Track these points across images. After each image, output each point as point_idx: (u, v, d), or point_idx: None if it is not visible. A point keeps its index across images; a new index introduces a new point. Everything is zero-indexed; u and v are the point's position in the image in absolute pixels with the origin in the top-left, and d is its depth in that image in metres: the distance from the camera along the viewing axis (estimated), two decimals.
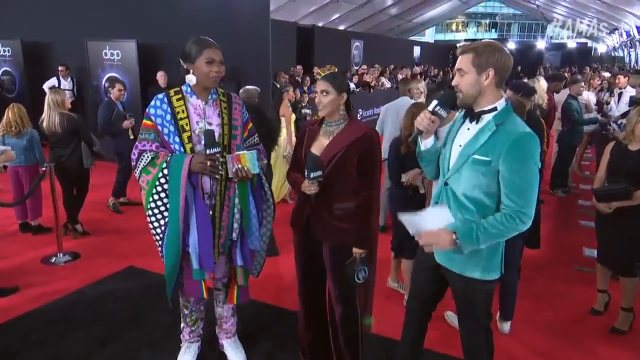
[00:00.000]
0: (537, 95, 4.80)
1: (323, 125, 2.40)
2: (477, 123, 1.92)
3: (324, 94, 2.30)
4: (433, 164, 2.14)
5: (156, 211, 2.32)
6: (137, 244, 4.58)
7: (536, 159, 1.84)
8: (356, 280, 2.26)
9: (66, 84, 8.38)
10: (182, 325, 2.77)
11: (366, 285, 2.37)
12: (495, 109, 1.89)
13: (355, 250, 2.29)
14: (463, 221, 1.94)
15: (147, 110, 2.36)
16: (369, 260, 2.33)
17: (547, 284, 3.97)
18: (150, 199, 2.30)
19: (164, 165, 2.27)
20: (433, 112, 1.95)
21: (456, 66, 1.94)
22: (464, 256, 1.95)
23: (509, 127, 1.85)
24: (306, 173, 2.24)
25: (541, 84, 4.85)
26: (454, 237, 1.88)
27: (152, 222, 2.35)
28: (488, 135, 1.87)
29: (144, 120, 2.35)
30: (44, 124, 4.52)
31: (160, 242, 2.39)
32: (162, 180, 2.28)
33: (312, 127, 2.44)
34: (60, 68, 8.33)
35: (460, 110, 2.05)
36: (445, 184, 2.01)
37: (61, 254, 4.26)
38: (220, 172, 2.31)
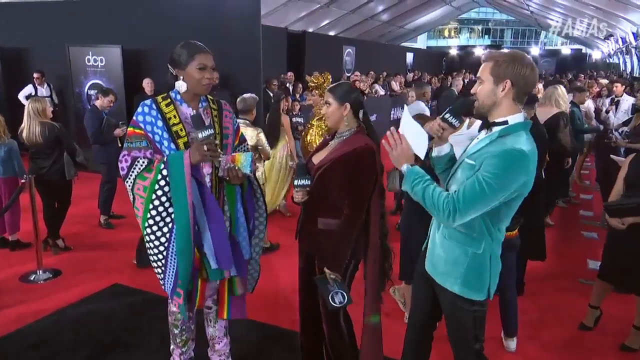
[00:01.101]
0: (561, 102, 4.80)
1: (335, 137, 2.43)
2: (486, 133, 1.93)
3: (327, 105, 2.35)
4: (447, 173, 2.12)
5: (158, 219, 2.21)
6: (122, 260, 4.49)
7: (510, 179, 1.77)
8: (331, 302, 2.21)
9: (43, 91, 8.26)
10: (171, 347, 2.68)
11: (372, 285, 2.33)
12: (506, 122, 1.86)
13: (325, 270, 2.27)
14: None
15: (134, 118, 2.29)
16: (347, 283, 2.32)
17: (552, 297, 3.95)
18: (151, 206, 2.19)
19: (162, 166, 2.18)
20: (444, 120, 1.96)
21: (478, 73, 1.95)
22: (447, 266, 1.99)
23: (507, 140, 1.83)
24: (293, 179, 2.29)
25: (561, 92, 4.85)
26: (407, 164, 1.95)
27: (153, 232, 2.23)
28: (486, 143, 1.87)
29: (131, 129, 2.28)
30: (24, 134, 4.44)
31: (163, 254, 2.27)
32: (162, 183, 2.18)
33: (327, 138, 2.49)
34: (35, 75, 8.20)
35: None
36: (447, 189, 2.02)
37: (41, 271, 4.16)
38: (221, 154, 2.26)
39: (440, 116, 1.98)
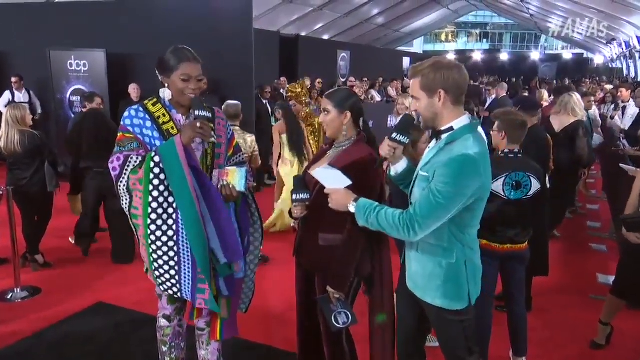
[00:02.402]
0: (577, 111, 4.81)
1: (333, 147, 2.39)
2: (436, 142, 2.00)
3: (325, 112, 2.31)
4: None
5: (160, 211, 2.16)
6: (106, 276, 4.42)
7: (462, 184, 1.84)
8: (334, 323, 2.19)
9: (21, 96, 8.17)
10: None
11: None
12: (451, 128, 1.94)
13: (329, 289, 2.24)
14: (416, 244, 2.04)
15: (121, 123, 2.29)
16: (349, 303, 2.29)
17: (562, 314, 3.93)
18: (150, 199, 2.15)
19: (152, 153, 2.15)
20: (392, 140, 2.04)
21: (410, 92, 2.04)
22: (424, 280, 2.05)
23: (454, 146, 1.89)
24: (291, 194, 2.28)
25: (576, 99, 4.86)
26: (352, 202, 2.01)
27: (159, 228, 2.17)
28: (435, 152, 1.94)
29: (121, 134, 2.26)
30: (2, 143, 4.37)
31: (174, 250, 2.20)
32: (157, 170, 2.13)
33: (324, 147, 2.45)
34: (13, 79, 8.11)
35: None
36: (411, 203, 2.07)
37: (19, 289, 4.08)
38: (212, 136, 2.24)
39: (388, 137, 2.06)
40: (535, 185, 2.88)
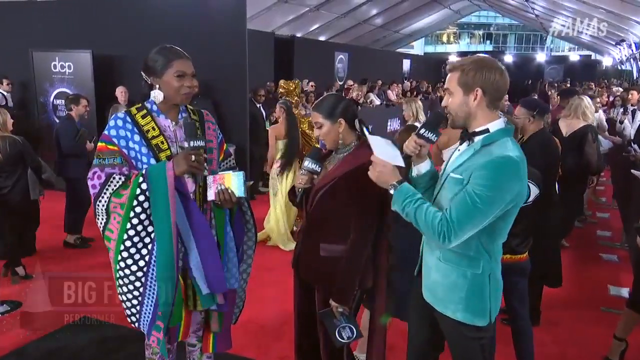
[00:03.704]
0: (588, 115, 4.82)
1: (333, 152, 2.39)
2: (468, 145, 1.97)
3: (317, 126, 2.30)
4: (431, 191, 2.13)
5: (136, 239, 2.13)
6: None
7: (503, 188, 1.82)
8: (338, 338, 2.17)
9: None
10: None
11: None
12: (487, 130, 1.92)
13: (332, 302, 2.23)
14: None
15: (105, 132, 2.24)
16: (353, 315, 2.29)
17: (572, 328, 3.93)
18: (128, 225, 2.11)
19: (140, 179, 2.11)
20: (420, 136, 1.99)
21: (445, 85, 2.00)
22: (444, 291, 2.00)
23: (492, 149, 1.87)
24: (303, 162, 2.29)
25: (587, 103, 4.88)
26: (394, 182, 1.93)
27: (131, 256, 2.14)
28: (470, 154, 1.91)
29: (103, 144, 2.21)
30: None
31: (142, 281, 2.18)
32: (142, 198, 2.10)
33: (324, 151, 2.45)
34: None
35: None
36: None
37: None
38: (206, 168, 2.21)
39: (415, 132, 2.00)
40: (534, 191, 2.88)
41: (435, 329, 2.14)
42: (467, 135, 1.97)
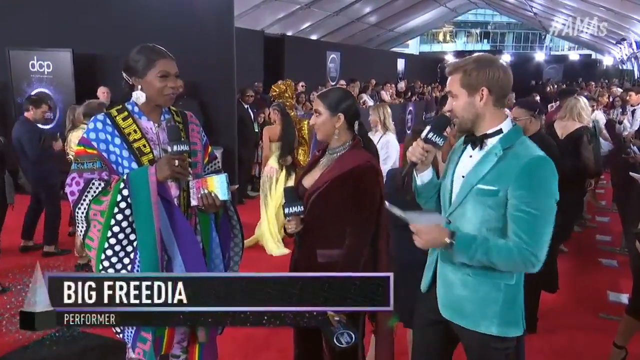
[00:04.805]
0: (584, 116, 4.86)
1: (326, 153, 2.38)
2: (480, 149, 1.94)
3: (316, 114, 2.30)
4: (433, 201, 2.13)
5: (118, 248, 2.12)
6: None
7: (552, 190, 1.85)
8: (336, 343, 2.18)
9: None
10: None
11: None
12: (500, 131, 1.91)
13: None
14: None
15: (84, 135, 2.23)
16: (355, 323, 2.25)
17: (569, 336, 3.95)
18: (109, 233, 2.11)
19: (122, 185, 2.10)
20: (426, 140, 1.94)
21: (446, 88, 1.98)
22: (475, 306, 1.95)
23: (518, 151, 1.86)
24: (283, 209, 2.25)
25: (583, 104, 4.92)
26: (449, 237, 1.86)
27: (112, 265, 2.13)
28: (494, 161, 1.88)
29: (82, 148, 2.21)
30: None
31: None
32: (123, 205, 2.09)
33: (317, 153, 2.45)
34: None
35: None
36: (448, 222, 1.99)
37: None
38: (190, 173, 2.20)
39: (422, 137, 1.95)
40: None
41: (446, 348, 2.14)
42: (477, 139, 1.95)
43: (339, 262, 2.21)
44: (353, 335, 2.19)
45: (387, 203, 2.04)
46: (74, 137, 4.68)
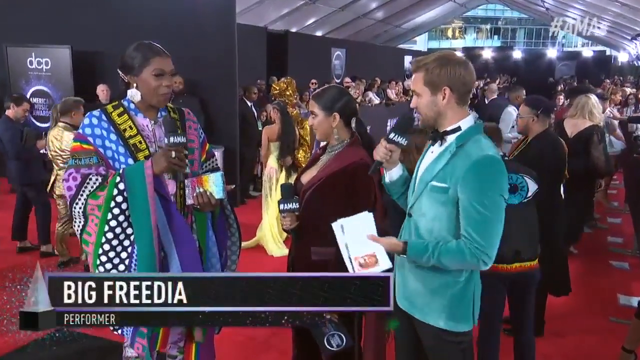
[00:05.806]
0: (595, 114, 4.86)
1: (326, 152, 2.44)
2: (440, 145, 2.02)
3: (312, 115, 2.36)
4: (404, 197, 2.20)
5: (115, 243, 2.17)
6: None
7: (500, 188, 1.91)
8: (327, 346, 2.20)
9: None
10: None
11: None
12: (459, 128, 1.98)
13: None
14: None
15: (79, 131, 2.28)
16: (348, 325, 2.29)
17: (578, 340, 3.96)
18: (106, 228, 2.15)
19: (117, 179, 2.14)
20: (389, 141, 2.04)
21: (411, 86, 2.06)
22: (425, 299, 2.06)
23: (470, 149, 1.93)
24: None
25: (594, 102, 4.91)
26: (402, 250, 1.98)
27: (110, 260, 2.18)
28: (447, 158, 1.96)
29: (78, 144, 2.25)
30: None
31: None
32: (119, 199, 2.14)
33: (318, 152, 2.50)
34: None
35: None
36: (409, 214, 2.10)
37: None
38: (187, 165, 2.24)
39: (385, 137, 2.05)
40: (532, 186, 2.93)
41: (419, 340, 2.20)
42: (437, 135, 2.03)
43: (332, 259, 2.25)
44: (344, 338, 2.21)
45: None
46: (52, 135, 4.72)
